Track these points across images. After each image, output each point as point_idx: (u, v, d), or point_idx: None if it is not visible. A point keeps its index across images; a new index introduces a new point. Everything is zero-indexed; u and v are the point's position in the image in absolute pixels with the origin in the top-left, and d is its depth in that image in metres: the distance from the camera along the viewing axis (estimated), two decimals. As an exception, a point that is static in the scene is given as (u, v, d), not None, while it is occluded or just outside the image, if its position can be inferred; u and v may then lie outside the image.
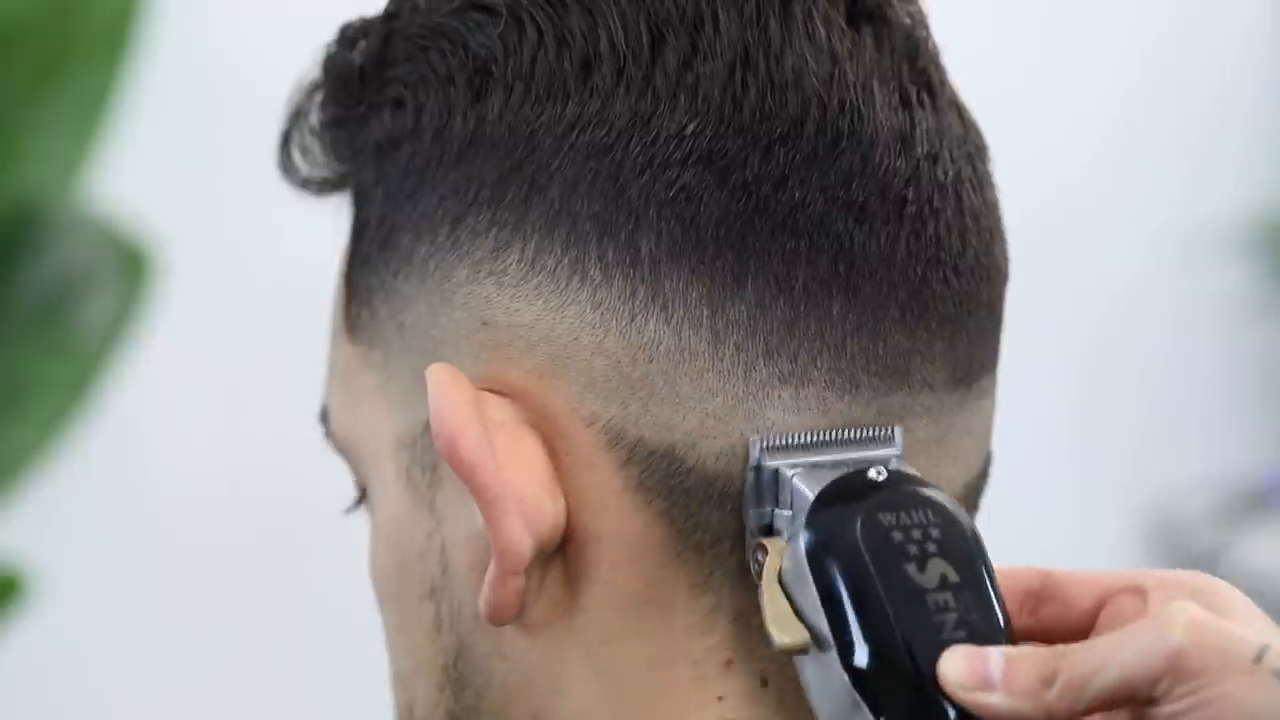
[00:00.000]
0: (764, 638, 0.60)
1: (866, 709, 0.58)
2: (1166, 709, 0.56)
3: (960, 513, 0.61)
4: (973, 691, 0.57)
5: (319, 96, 0.69)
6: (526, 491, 0.61)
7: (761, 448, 0.61)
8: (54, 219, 1.65)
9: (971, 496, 0.66)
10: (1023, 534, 2.23)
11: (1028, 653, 0.58)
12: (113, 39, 1.62)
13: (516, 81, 0.63)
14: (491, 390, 0.63)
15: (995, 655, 0.58)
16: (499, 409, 0.62)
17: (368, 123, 0.67)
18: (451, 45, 0.64)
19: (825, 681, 0.59)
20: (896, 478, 0.61)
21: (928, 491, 0.61)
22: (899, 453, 0.62)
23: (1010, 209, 0.67)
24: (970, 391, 0.65)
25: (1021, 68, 2.24)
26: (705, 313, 0.61)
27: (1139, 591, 0.61)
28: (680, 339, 0.61)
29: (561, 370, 0.62)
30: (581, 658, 0.63)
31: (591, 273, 0.61)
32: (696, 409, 0.61)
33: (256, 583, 1.92)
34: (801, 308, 0.61)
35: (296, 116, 0.70)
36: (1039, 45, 2.31)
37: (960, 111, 0.66)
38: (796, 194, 0.61)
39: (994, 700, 0.57)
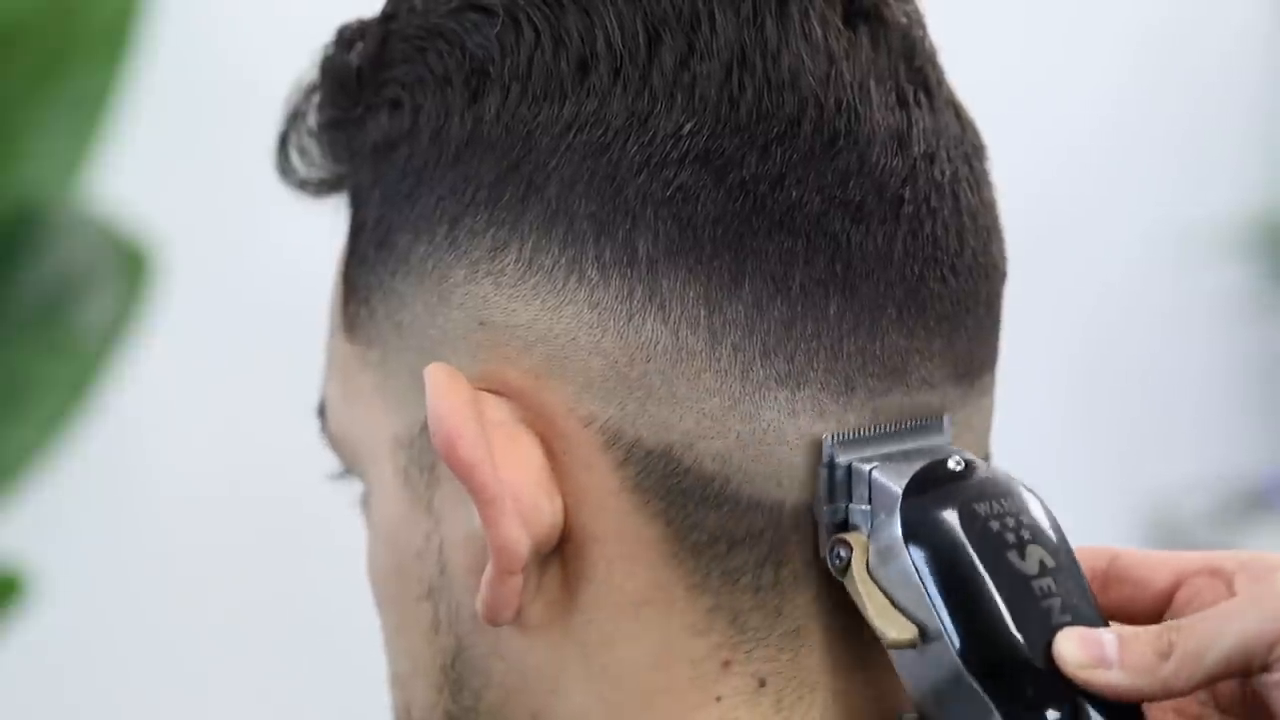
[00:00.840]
0: (860, 633, 0.62)
1: (986, 697, 0.59)
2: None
3: (1038, 497, 0.63)
4: (1092, 669, 0.59)
5: (316, 98, 0.69)
6: (524, 491, 0.61)
7: (833, 443, 0.61)
8: (54, 219, 1.65)
9: (969, 496, 0.67)
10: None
11: (1139, 631, 0.60)
12: (113, 39, 1.62)
13: (513, 82, 0.63)
14: (489, 390, 0.63)
15: (1108, 636, 0.60)
16: (496, 409, 0.62)
17: (365, 124, 0.67)
18: (449, 46, 0.64)
19: (933, 674, 0.60)
20: (972, 466, 0.62)
21: (1007, 479, 0.62)
22: (949, 440, 0.63)
23: (1007, 208, 0.67)
24: (970, 390, 0.65)
25: (1018, 67, 2.24)
26: (702, 312, 0.61)
27: (1218, 573, 0.63)
28: (677, 339, 0.61)
29: (559, 370, 0.62)
30: (579, 658, 0.63)
31: (589, 272, 0.61)
32: (693, 409, 0.61)
33: (256, 583, 1.92)
34: (799, 308, 0.61)
35: (294, 118, 0.70)
36: (1036, 44, 2.31)
37: (957, 111, 0.66)
38: (793, 193, 0.61)
39: (1113, 677, 0.59)
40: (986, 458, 0.67)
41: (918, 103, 0.63)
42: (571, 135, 0.62)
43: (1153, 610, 0.64)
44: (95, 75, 1.62)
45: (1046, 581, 0.60)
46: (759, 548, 0.62)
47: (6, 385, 1.60)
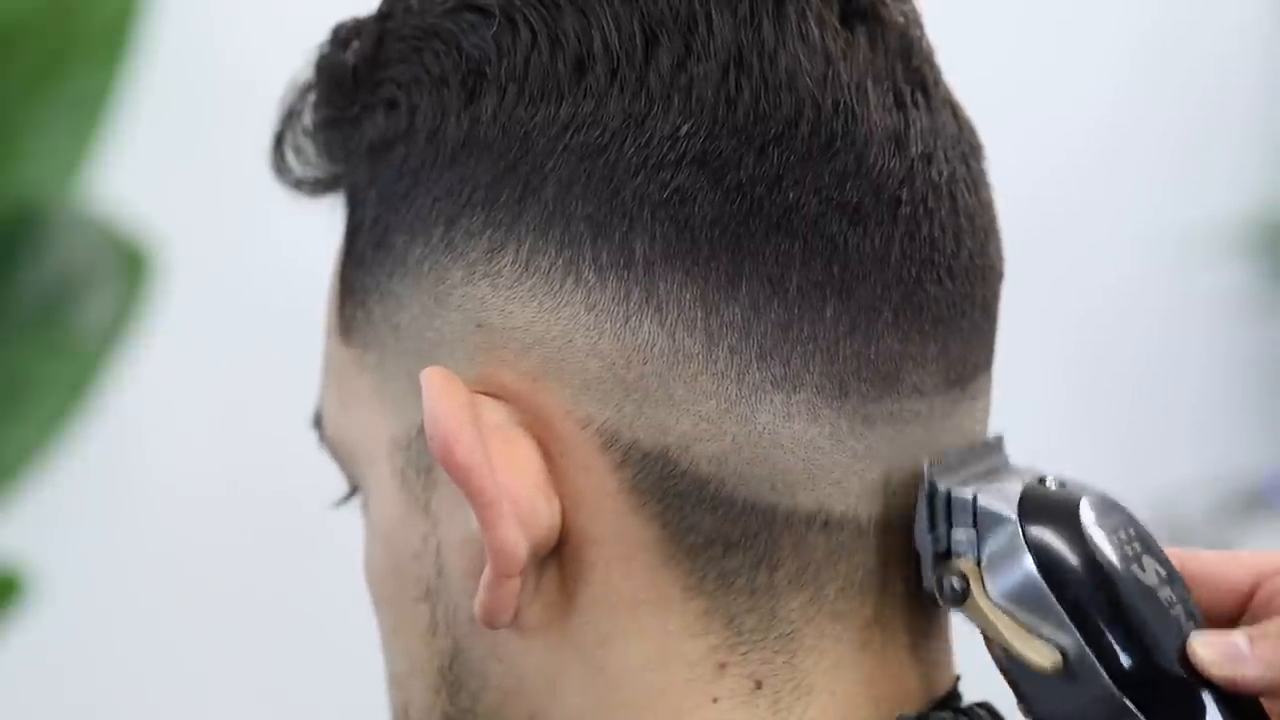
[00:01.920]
0: (992, 659, 0.62)
1: (1136, 711, 0.60)
2: None
3: (1128, 507, 0.64)
4: (1231, 665, 0.61)
5: (312, 97, 0.69)
6: (521, 494, 0.61)
7: (933, 471, 0.62)
8: (54, 219, 1.65)
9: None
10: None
11: (1267, 630, 0.61)
12: (113, 39, 1.62)
13: (510, 82, 0.63)
14: (486, 393, 0.63)
15: (1238, 635, 0.61)
16: (494, 412, 0.62)
17: (361, 123, 0.66)
18: (445, 46, 0.64)
19: (1080, 697, 0.60)
20: (1065, 485, 0.63)
21: (1106, 494, 0.63)
22: (1007, 458, 0.65)
23: (1006, 209, 0.67)
24: (964, 393, 0.65)
25: (1016, 67, 2.24)
26: (699, 314, 0.61)
27: None
28: (674, 341, 0.61)
29: (556, 372, 0.62)
30: (577, 660, 0.63)
31: (585, 274, 0.61)
32: (690, 411, 0.61)
33: (256, 582, 1.92)
34: (796, 310, 0.61)
35: (290, 117, 0.70)
36: (1034, 44, 2.31)
37: (955, 111, 0.66)
38: (790, 195, 0.61)
39: (1249, 672, 0.61)
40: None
41: (915, 103, 0.63)
42: (568, 136, 0.62)
43: (1232, 611, 0.66)
44: (95, 75, 1.62)
45: (1167, 591, 0.61)
46: (754, 550, 0.62)
47: (6, 385, 1.60)
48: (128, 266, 1.65)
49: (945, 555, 0.62)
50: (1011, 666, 0.62)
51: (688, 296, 0.61)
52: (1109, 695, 0.60)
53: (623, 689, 0.63)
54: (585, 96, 0.62)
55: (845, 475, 0.62)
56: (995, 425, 0.68)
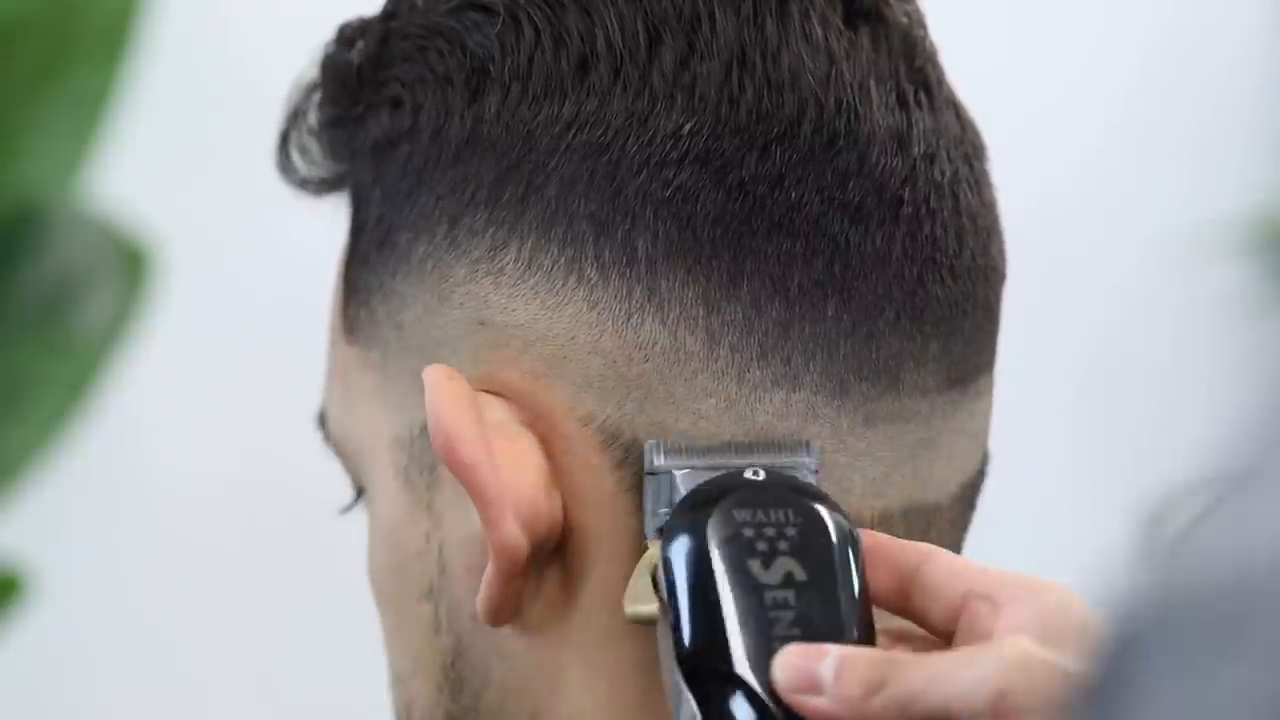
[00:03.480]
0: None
1: (686, 689, 0.57)
2: None
3: (835, 516, 0.59)
4: (799, 694, 0.55)
5: (317, 96, 0.69)
6: (524, 492, 0.61)
7: (654, 449, 0.61)
8: (54, 219, 1.65)
9: (968, 497, 0.66)
10: (1023, 534, 2.23)
11: (861, 655, 0.56)
12: (113, 39, 1.62)
13: (514, 81, 0.63)
14: (489, 391, 0.63)
15: (831, 653, 0.56)
16: (496, 410, 0.62)
17: (365, 122, 0.66)
18: (449, 45, 0.64)
19: (663, 661, 0.59)
20: (772, 479, 0.60)
21: (799, 494, 0.60)
22: (812, 463, 0.61)
23: (1011, 209, 0.67)
24: (965, 393, 0.65)
25: (1020, 67, 2.24)
26: (701, 313, 0.61)
27: (993, 601, 0.58)
28: (676, 339, 0.61)
29: (558, 370, 0.62)
30: (579, 658, 0.63)
31: (588, 272, 0.62)
32: (690, 410, 0.61)
33: (256, 582, 1.92)
34: (797, 309, 0.61)
35: (294, 116, 0.70)
36: (1038, 44, 2.31)
37: (958, 111, 0.66)
38: (793, 194, 0.61)
39: (819, 703, 0.55)
40: (986, 459, 0.67)
41: (918, 103, 0.63)
42: (571, 135, 0.62)
43: (942, 628, 0.59)
44: (95, 75, 1.62)
45: (785, 594, 0.58)
46: (753, 548, 0.62)
47: (6, 385, 1.60)
48: (128, 266, 1.65)
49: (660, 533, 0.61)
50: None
51: (689, 295, 0.61)
52: (671, 666, 0.58)
53: (624, 687, 0.63)
54: (588, 95, 0.62)
55: (846, 474, 0.62)
56: (998, 424, 0.68)
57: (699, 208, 0.61)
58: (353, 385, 0.68)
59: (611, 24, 0.62)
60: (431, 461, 0.64)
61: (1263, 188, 2.44)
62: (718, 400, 0.61)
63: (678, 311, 0.61)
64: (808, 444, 0.61)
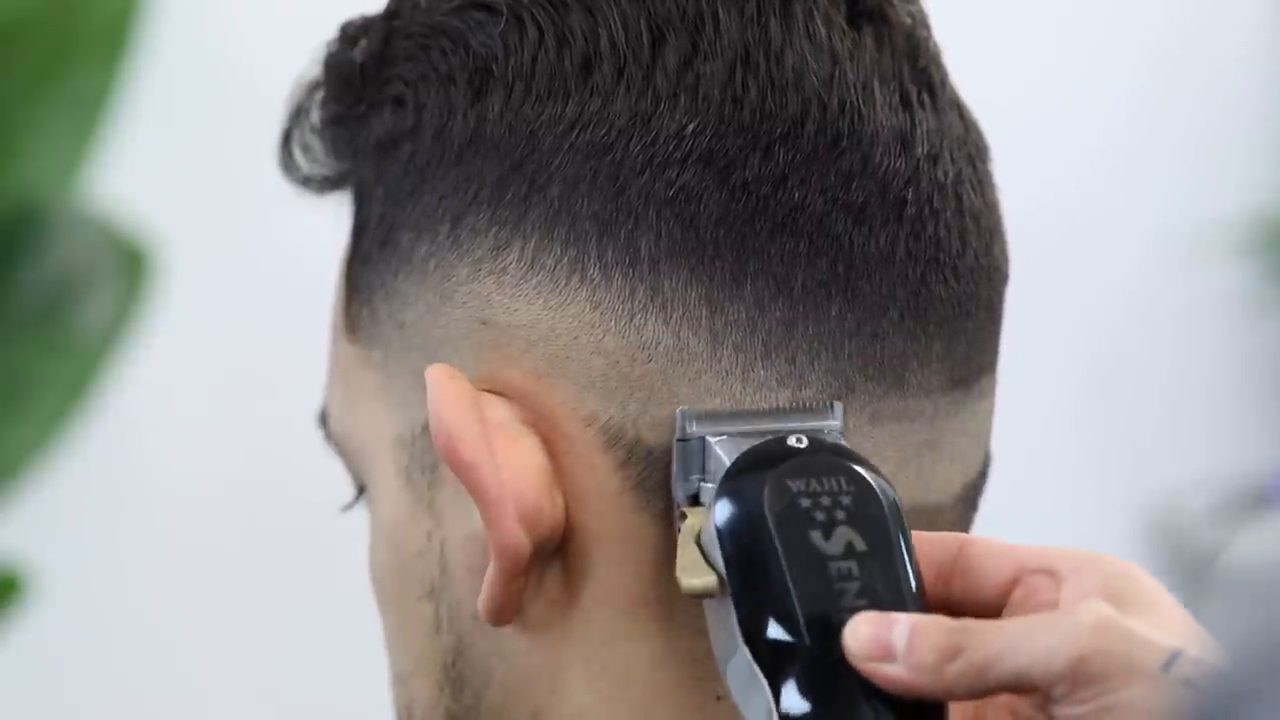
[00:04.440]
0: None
1: (755, 664, 0.57)
2: (1067, 710, 0.54)
3: (880, 482, 0.59)
4: (873, 662, 0.56)
5: (320, 95, 0.69)
6: (525, 492, 0.61)
7: (686, 416, 0.61)
8: (54, 219, 1.65)
9: (970, 497, 0.66)
10: (1024, 534, 2.22)
11: (933, 623, 0.56)
12: (113, 39, 1.62)
13: (517, 80, 0.63)
14: (491, 390, 0.63)
15: (901, 622, 0.56)
16: (498, 409, 0.62)
17: (368, 121, 0.66)
18: (452, 44, 0.64)
19: (728, 636, 0.58)
20: (817, 445, 0.60)
21: (846, 460, 0.60)
22: (838, 425, 0.61)
23: (1013, 209, 0.67)
24: (968, 393, 0.65)
25: (1023, 68, 2.24)
26: (704, 313, 0.61)
27: (1053, 574, 0.59)
28: (679, 339, 0.61)
29: (561, 370, 0.62)
30: (580, 658, 0.63)
31: (591, 272, 0.61)
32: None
33: (256, 582, 1.92)
34: (800, 309, 0.61)
35: (297, 115, 0.70)
36: (1040, 45, 2.31)
37: (961, 112, 0.66)
38: (796, 194, 0.61)
39: (893, 671, 0.55)
40: (988, 459, 0.67)
41: (921, 103, 0.63)
42: (574, 135, 0.62)
43: (993, 605, 0.60)
44: (95, 75, 1.62)
45: (848, 564, 0.58)
46: (758, 548, 0.62)
47: (6, 385, 1.60)
48: (128, 266, 1.65)
49: (695, 501, 0.61)
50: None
51: (693, 295, 0.61)
52: (736, 638, 0.58)
53: (626, 686, 0.63)
54: (592, 95, 0.62)
55: None
56: (1000, 424, 0.68)
57: (702, 208, 0.61)
58: (354, 384, 0.68)
59: (615, 24, 0.62)
60: (433, 461, 0.64)
61: (1263, 188, 2.44)
62: (722, 400, 0.61)
63: (681, 311, 0.61)
64: (832, 405, 0.61)
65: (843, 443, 0.61)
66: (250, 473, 1.91)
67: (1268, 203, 2.41)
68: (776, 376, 0.61)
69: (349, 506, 0.72)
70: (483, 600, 0.62)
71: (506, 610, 0.62)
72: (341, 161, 0.69)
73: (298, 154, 0.70)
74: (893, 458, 0.63)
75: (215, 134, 1.85)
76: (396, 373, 0.66)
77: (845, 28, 0.63)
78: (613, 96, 0.62)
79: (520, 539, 0.61)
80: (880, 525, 0.59)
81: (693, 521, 0.60)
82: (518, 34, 0.63)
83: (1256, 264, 2.41)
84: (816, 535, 0.58)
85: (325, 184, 0.70)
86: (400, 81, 0.65)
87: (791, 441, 0.60)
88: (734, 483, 0.59)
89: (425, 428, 0.63)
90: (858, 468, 0.60)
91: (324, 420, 0.71)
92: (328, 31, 0.69)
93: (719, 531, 0.59)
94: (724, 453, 0.60)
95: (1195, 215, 2.39)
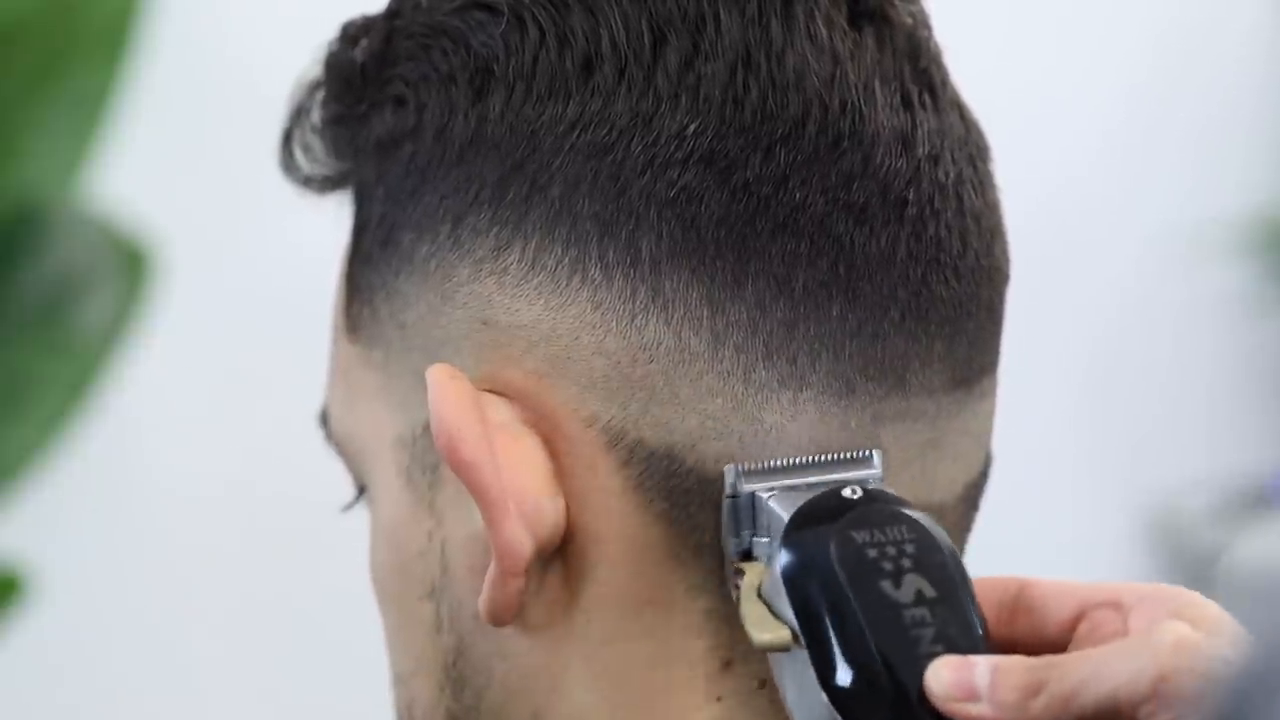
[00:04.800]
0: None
1: (839, 716, 0.58)
2: None
3: (936, 529, 0.61)
4: (958, 702, 0.57)
5: (320, 94, 0.69)
6: (526, 492, 0.61)
7: (738, 473, 0.61)
8: (54, 219, 1.65)
9: (971, 497, 0.66)
10: (1024, 534, 2.23)
11: (1015, 662, 0.57)
12: (113, 39, 1.62)
13: (518, 81, 0.63)
14: (492, 391, 0.63)
15: (982, 664, 0.57)
16: (499, 410, 0.62)
17: (369, 121, 0.66)
18: (453, 44, 0.64)
19: (804, 687, 0.59)
20: (871, 496, 0.61)
21: (903, 509, 0.61)
22: (879, 474, 0.62)
23: (1013, 209, 0.67)
24: (970, 394, 0.65)
25: (1023, 68, 2.24)
26: (705, 313, 0.61)
27: (1118, 606, 0.60)
28: (680, 340, 0.61)
29: (562, 370, 0.62)
30: (581, 658, 0.63)
31: (592, 272, 0.61)
32: (696, 410, 0.61)
33: (256, 582, 1.92)
34: (801, 309, 0.61)
35: (298, 114, 0.70)
36: (1041, 45, 2.31)
37: (962, 112, 0.66)
38: (797, 195, 0.61)
39: (979, 710, 0.57)
40: (988, 459, 0.67)
41: (922, 104, 0.63)
42: (575, 135, 0.62)
43: (1056, 641, 0.61)
44: (95, 75, 1.62)
45: (921, 611, 0.59)
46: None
47: (6, 385, 1.60)
48: (128, 266, 1.65)
49: (747, 556, 0.61)
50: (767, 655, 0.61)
51: (694, 295, 0.61)
52: (818, 694, 0.58)
53: (626, 687, 0.63)
54: (593, 95, 0.62)
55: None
56: (1000, 424, 0.68)
57: (703, 208, 0.61)
58: (355, 384, 0.68)
59: (616, 24, 0.62)
60: (434, 461, 0.64)
61: (1263, 187, 2.44)
62: (724, 400, 0.61)
63: (682, 312, 0.61)
64: (871, 454, 0.62)
65: (890, 490, 0.62)
66: (250, 473, 1.91)
67: (1268, 202, 2.41)
68: (778, 377, 0.61)
69: (349, 506, 0.72)
70: (483, 600, 0.62)
71: (507, 610, 0.62)
72: (342, 161, 0.69)
73: (298, 154, 0.70)
74: (895, 458, 0.63)
75: (215, 134, 1.85)
76: (397, 373, 0.66)
77: (846, 28, 0.62)
78: (614, 97, 0.62)
79: (521, 539, 0.61)
80: (945, 571, 0.60)
81: (751, 577, 0.60)
82: (519, 34, 0.63)
83: (1256, 264, 2.41)
84: (887, 584, 0.59)
85: (326, 184, 0.70)
86: (401, 81, 0.65)
87: (846, 493, 0.61)
88: (798, 537, 0.60)
89: (426, 428, 0.63)
90: (915, 516, 0.61)
91: (324, 420, 0.71)
92: (328, 31, 0.69)
93: (790, 586, 0.59)
94: (779, 508, 0.60)
95: (1195, 215, 2.39)
